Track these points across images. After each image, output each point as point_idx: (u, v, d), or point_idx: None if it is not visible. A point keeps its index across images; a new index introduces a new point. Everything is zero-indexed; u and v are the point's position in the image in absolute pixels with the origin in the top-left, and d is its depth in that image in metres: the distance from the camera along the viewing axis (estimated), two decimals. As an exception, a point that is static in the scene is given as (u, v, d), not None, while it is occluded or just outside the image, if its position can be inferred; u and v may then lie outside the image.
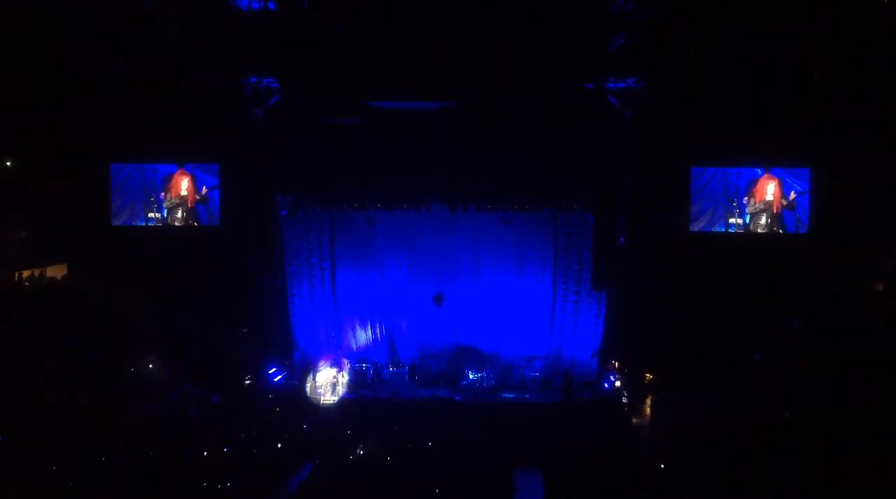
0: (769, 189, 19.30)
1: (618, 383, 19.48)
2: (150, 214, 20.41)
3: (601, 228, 19.30)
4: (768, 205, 19.26)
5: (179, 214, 20.45)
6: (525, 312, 20.58)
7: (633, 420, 18.22)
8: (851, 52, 16.65)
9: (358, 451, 15.97)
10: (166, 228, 20.39)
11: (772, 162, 19.21)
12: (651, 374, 18.91)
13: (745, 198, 19.31)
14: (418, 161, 18.72)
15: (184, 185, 20.37)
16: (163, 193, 20.36)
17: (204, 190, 20.26)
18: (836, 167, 18.49)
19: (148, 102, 18.87)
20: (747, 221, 19.33)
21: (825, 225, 18.83)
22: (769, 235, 19.29)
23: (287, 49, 16.94)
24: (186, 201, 20.37)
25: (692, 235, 19.51)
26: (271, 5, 16.10)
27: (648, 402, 18.44)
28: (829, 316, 17.71)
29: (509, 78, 16.97)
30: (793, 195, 19.12)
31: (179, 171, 20.36)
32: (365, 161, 18.99)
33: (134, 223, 20.43)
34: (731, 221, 19.43)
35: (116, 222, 20.44)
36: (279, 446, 16.03)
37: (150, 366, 18.46)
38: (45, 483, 13.09)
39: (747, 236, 19.35)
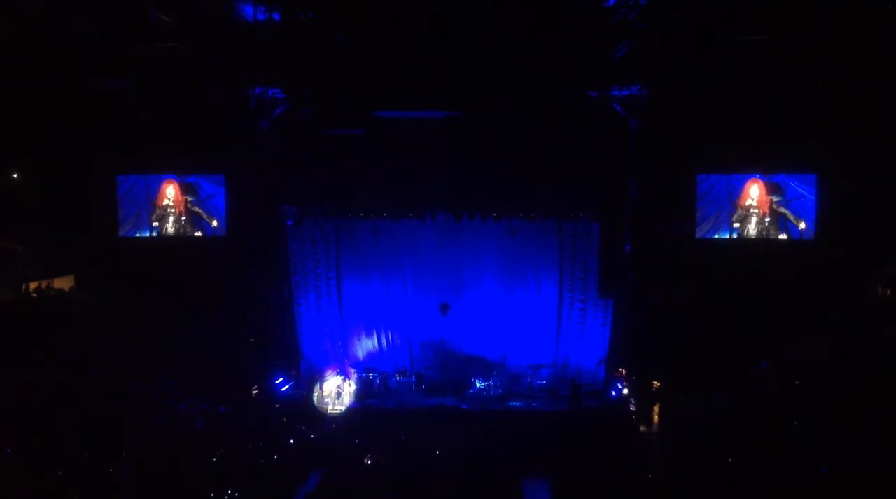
0: (752, 193, 19.26)
1: (625, 391, 19.44)
2: (155, 223, 20.50)
3: (607, 236, 19.28)
4: (748, 210, 19.18)
5: (171, 224, 20.46)
6: (531, 320, 20.55)
7: (641, 428, 18.18)
8: (856, 58, 16.61)
9: (365, 460, 15.94)
10: (173, 238, 20.44)
11: (777, 168, 19.16)
12: (658, 381, 18.86)
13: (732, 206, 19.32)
14: (423, 171, 18.75)
15: (170, 193, 20.44)
16: (151, 204, 20.46)
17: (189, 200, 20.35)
18: (841, 173, 18.43)
19: (153, 114, 18.93)
20: (736, 227, 19.29)
21: (831, 231, 18.75)
22: (776, 242, 19.21)
23: (292, 60, 16.98)
24: (175, 210, 20.41)
25: (698, 241, 19.46)
26: (276, 16, 16.13)
27: (656, 409, 18.38)
28: (837, 322, 17.62)
29: (514, 87, 16.98)
30: (776, 200, 19.08)
31: (167, 180, 20.43)
32: (370, 171, 19.03)
33: (139, 233, 20.50)
34: (735, 225, 19.41)
35: (122, 232, 20.50)
36: (286, 456, 16.00)
37: (156, 377, 18.46)
38: (50, 496, 13.07)
39: (754, 243, 19.28)
